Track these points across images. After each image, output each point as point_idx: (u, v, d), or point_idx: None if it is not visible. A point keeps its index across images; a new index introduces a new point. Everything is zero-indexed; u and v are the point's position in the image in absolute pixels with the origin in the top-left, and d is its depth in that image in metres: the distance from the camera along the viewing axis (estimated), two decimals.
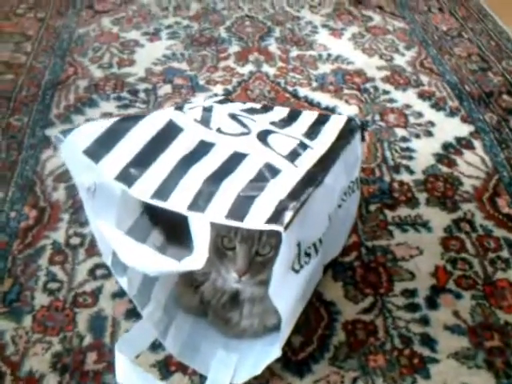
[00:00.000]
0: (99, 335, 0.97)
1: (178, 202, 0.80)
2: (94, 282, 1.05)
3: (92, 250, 1.11)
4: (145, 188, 0.81)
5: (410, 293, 1.04)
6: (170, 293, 1.00)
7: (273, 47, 1.77)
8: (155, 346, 0.94)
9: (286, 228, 0.75)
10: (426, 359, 0.93)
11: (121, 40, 1.81)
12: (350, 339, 0.96)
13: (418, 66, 1.66)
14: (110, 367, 0.90)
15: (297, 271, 0.84)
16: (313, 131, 1.05)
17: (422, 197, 1.23)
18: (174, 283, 1.01)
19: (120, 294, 1.03)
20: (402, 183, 1.27)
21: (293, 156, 0.94)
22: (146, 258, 0.80)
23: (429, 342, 0.96)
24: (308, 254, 0.86)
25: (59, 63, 1.67)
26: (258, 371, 0.87)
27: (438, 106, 1.50)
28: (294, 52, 1.74)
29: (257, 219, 0.77)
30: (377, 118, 1.46)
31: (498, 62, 1.68)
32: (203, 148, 0.90)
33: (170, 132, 0.91)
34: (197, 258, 0.77)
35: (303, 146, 0.99)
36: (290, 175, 0.87)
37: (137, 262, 0.82)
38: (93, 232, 0.94)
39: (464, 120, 1.46)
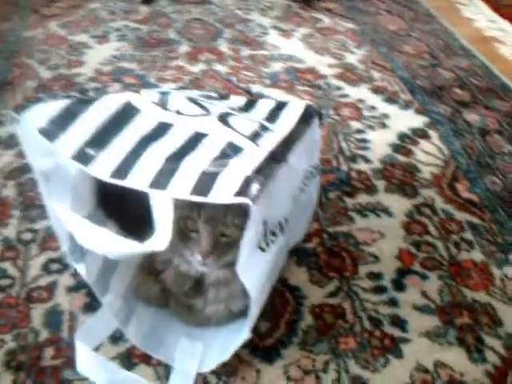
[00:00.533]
0: (56, 330, 0.90)
1: (138, 180, 0.75)
2: (48, 277, 0.99)
3: (45, 244, 1.05)
4: (103, 167, 0.77)
5: (376, 276, 1.02)
6: (129, 284, 0.95)
7: (223, 47, 1.76)
8: (116, 338, 0.89)
9: (253, 201, 0.73)
10: (397, 339, 0.91)
11: (69, 43, 1.77)
12: (318, 323, 0.93)
13: (369, 63, 1.67)
14: (70, 362, 0.84)
15: (263, 250, 0.81)
16: (272, 116, 1.03)
17: (380, 184, 1.22)
18: (132, 274, 0.96)
19: (76, 287, 0.97)
20: (359, 172, 1.26)
21: (255, 137, 0.91)
22: (107, 240, 0.76)
23: (399, 322, 0.94)
24: (274, 233, 0.84)
25: (5, 65, 1.61)
26: (226, 357, 0.83)
27: (391, 99, 1.52)
28: (245, 52, 1.73)
29: (223, 194, 0.74)
30: (331, 112, 1.45)
31: (448, 58, 1.72)
32: (162, 129, 0.86)
33: (127, 113, 0.87)
34: (160, 239, 0.73)
35: (264, 129, 0.96)
36: (254, 153, 0.85)
37: (96, 244, 0.77)
38: (49, 217, 0.88)
39: (418, 112, 1.47)
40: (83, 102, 0.85)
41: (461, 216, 1.15)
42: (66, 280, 0.98)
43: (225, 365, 0.84)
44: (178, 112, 0.92)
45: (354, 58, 1.70)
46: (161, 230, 0.72)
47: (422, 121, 1.43)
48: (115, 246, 0.75)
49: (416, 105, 1.49)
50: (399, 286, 1.00)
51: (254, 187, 0.75)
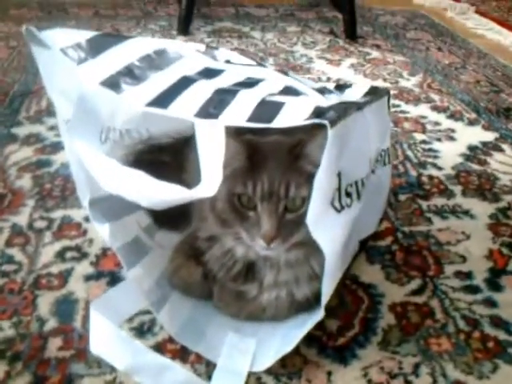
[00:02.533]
0: (67, 319, 0.74)
1: (181, 109, 0.62)
2: (62, 264, 0.84)
3: (61, 233, 0.91)
4: (138, 96, 0.64)
5: (466, 275, 0.85)
6: (164, 270, 0.79)
7: None
8: (142, 332, 0.72)
9: (331, 124, 0.59)
10: (503, 343, 0.72)
11: None
12: (401, 322, 0.76)
13: (425, 87, 1.56)
14: (81, 355, 0.68)
15: (337, 210, 0.66)
16: (339, 89, 0.93)
17: (456, 189, 1.07)
18: (167, 258, 0.80)
19: (96, 275, 0.82)
20: (431, 177, 1.11)
21: (320, 91, 0.79)
22: (141, 184, 0.61)
23: (502, 324, 0.76)
24: (349, 194, 0.69)
25: (31, 78, 1.52)
26: (286, 350, 0.66)
27: (454, 117, 1.39)
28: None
29: (291, 120, 0.60)
30: (391, 125, 1.32)
31: (509, 86, 1.60)
32: (210, 72, 0.74)
33: (167, 55, 0.75)
34: (209, 182, 0.58)
35: (329, 91, 0.85)
36: (321, 99, 0.72)
37: (128, 189, 0.62)
38: (70, 164, 0.73)
39: (486, 128, 1.33)
40: (113, 36, 0.74)
41: None
42: (84, 268, 0.84)
43: (285, 365, 0.68)
44: (228, 61, 0.80)
45: (408, 83, 1.59)
46: (209, 172, 0.58)
47: (492, 136, 1.30)
48: (153, 192, 0.60)
49: (483, 122, 1.36)
50: (495, 286, 0.83)
51: (331, 113, 0.62)
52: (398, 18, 2.27)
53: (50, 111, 1.29)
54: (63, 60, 0.66)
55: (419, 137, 1.27)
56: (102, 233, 0.68)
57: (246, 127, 0.60)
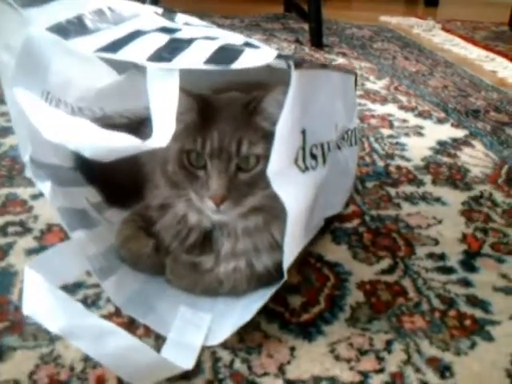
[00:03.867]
0: (3, 291, 0.68)
1: (132, 54, 0.57)
2: (3, 238, 0.78)
3: (4, 209, 0.85)
4: (88, 42, 0.59)
5: (438, 257, 0.80)
6: (111, 245, 0.72)
7: None
8: (87, 305, 0.66)
9: (295, 66, 0.55)
10: (480, 321, 0.68)
11: None
12: (370, 299, 0.70)
13: (392, 90, 1.54)
14: (16, 327, 0.62)
15: (302, 170, 0.62)
16: None
17: (426, 178, 1.04)
18: (115, 230, 0.73)
19: (38, 250, 0.75)
20: (398, 167, 1.07)
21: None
22: (86, 132, 0.55)
23: (478, 302, 0.72)
24: (314, 156, 0.65)
25: None
26: (246, 319, 0.60)
27: (423, 115, 1.36)
28: None
29: (251, 60, 0.56)
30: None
31: (476, 92, 1.59)
32: (166, 30, 0.69)
33: (121, 12, 0.70)
34: (161, 134, 0.53)
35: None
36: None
37: (71, 136, 0.56)
38: (10, 112, 0.67)
39: (455, 126, 1.31)
40: None
41: None
42: (26, 242, 0.77)
43: (243, 339, 0.62)
44: (187, 23, 0.76)
45: (375, 85, 1.57)
46: (161, 121, 0.53)
47: (462, 133, 1.27)
48: (99, 139, 0.54)
49: (452, 121, 1.34)
50: (470, 267, 0.79)
51: (295, 58, 0.58)
52: (364, 31, 2.28)
53: None
54: (8, 12, 0.60)
55: (386, 132, 1.24)
56: (42, 190, 0.61)
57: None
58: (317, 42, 1.93)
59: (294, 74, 0.55)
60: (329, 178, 0.71)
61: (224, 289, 0.67)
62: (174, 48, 0.59)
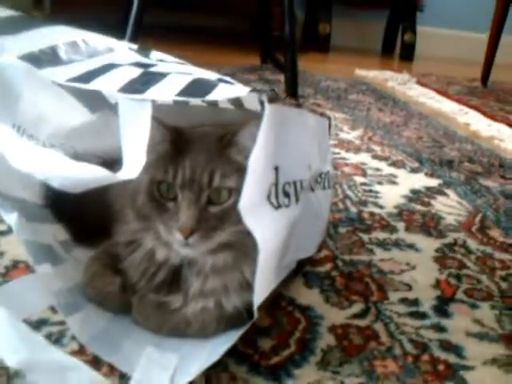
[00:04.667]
0: None
1: (104, 85, 0.59)
2: None
3: None
4: (59, 73, 0.60)
5: (411, 302, 0.81)
6: (78, 283, 0.71)
7: None
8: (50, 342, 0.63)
9: (269, 101, 0.57)
10: (454, 366, 0.68)
11: None
12: (342, 343, 0.70)
13: (366, 139, 1.58)
14: None
15: (274, 206, 0.63)
16: None
17: (399, 225, 1.05)
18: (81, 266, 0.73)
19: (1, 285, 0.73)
20: (372, 214, 1.09)
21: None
22: (55, 162, 0.56)
23: (451, 347, 0.72)
24: (287, 194, 0.66)
25: None
26: (212, 359, 0.59)
27: (396, 165, 1.39)
28: None
29: (225, 93, 0.58)
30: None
31: (451, 143, 1.64)
32: (140, 65, 0.71)
33: (95, 46, 0.72)
34: (131, 165, 0.54)
35: None
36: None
37: (43, 167, 0.56)
38: None
39: (429, 175, 1.34)
40: (41, 20, 0.70)
41: (502, 256, 0.97)
42: None
43: (209, 381, 0.61)
44: (161, 60, 0.78)
45: (348, 135, 1.61)
46: (132, 152, 0.54)
47: (436, 182, 1.30)
48: (68, 170, 0.55)
49: (425, 170, 1.37)
50: (443, 312, 0.79)
51: (268, 94, 0.59)
52: (340, 83, 2.34)
53: None
54: None
55: (360, 180, 1.26)
56: (8, 221, 0.61)
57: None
58: (292, 93, 1.97)
59: (267, 108, 0.56)
60: (301, 219, 0.72)
61: (192, 329, 0.66)
62: (146, 80, 0.60)
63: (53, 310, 0.67)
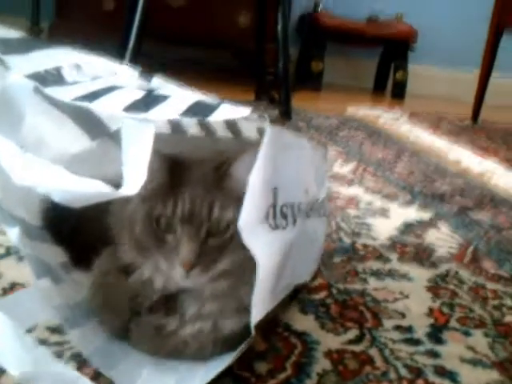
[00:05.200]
0: None
1: (108, 104, 0.62)
2: None
3: None
4: (66, 91, 0.63)
5: (405, 329, 0.83)
6: (79, 302, 0.73)
7: None
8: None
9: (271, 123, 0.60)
10: None
11: None
12: (337, 367, 0.72)
13: (358, 173, 1.61)
14: None
15: (272, 227, 0.65)
16: None
17: (392, 256, 1.08)
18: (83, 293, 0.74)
19: None
20: (365, 245, 1.11)
21: None
22: (59, 177, 0.58)
23: (446, 373, 0.74)
24: (285, 216, 0.68)
25: None
26: (209, 377, 0.61)
27: (389, 198, 1.42)
28: None
29: (227, 114, 0.61)
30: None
31: (442, 178, 1.68)
32: (143, 88, 0.74)
33: (99, 68, 0.75)
34: (131, 182, 0.56)
35: None
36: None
37: (44, 180, 0.59)
38: None
39: (421, 208, 1.37)
40: (46, 42, 0.73)
41: (494, 286, 1.00)
42: None
43: None
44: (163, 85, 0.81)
45: (341, 169, 1.64)
46: (133, 169, 0.56)
47: (428, 215, 1.33)
48: (70, 184, 0.57)
49: (418, 203, 1.40)
50: (437, 339, 0.81)
51: (269, 117, 0.62)
52: (331, 120, 2.39)
53: None
54: None
55: (353, 212, 1.29)
56: (10, 235, 0.63)
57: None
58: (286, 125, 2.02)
59: (269, 129, 0.59)
60: (297, 243, 0.74)
61: (189, 351, 0.67)
62: (150, 101, 0.63)
63: (51, 330, 0.68)
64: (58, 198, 0.57)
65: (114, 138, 0.64)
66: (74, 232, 0.82)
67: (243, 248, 0.59)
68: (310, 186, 0.82)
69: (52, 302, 0.64)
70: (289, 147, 0.69)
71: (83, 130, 0.85)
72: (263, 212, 0.63)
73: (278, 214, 0.66)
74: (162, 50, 2.72)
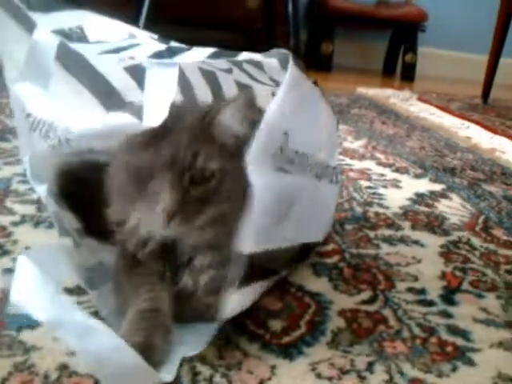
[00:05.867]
0: None
1: (133, 54, 0.62)
2: None
3: None
4: (90, 47, 0.63)
5: (418, 291, 0.83)
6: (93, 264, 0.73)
7: None
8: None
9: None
10: (461, 348, 0.69)
11: None
12: (351, 326, 0.72)
13: (370, 148, 1.60)
14: None
15: (276, 168, 0.65)
16: None
17: (404, 224, 1.07)
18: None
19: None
20: (377, 214, 1.10)
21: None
22: (86, 113, 0.59)
23: (459, 332, 0.73)
24: (291, 162, 0.68)
25: None
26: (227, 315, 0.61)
27: (400, 171, 1.41)
28: None
29: (249, 54, 0.61)
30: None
31: (453, 153, 1.67)
32: (170, 50, 0.74)
33: (119, 30, 0.75)
34: (154, 113, 0.56)
35: None
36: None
37: (75, 119, 0.59)
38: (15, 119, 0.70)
39: (432, 181, 1.36)
40: (69, 3, 0.73)
41: (506, 252, 0.99)
42: (3, 263, 0.77)
43: (222, 356, 0.62)
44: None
45: (352, 145, 1.63)
46: (154, 104, 0.56)
47: (439, 187, 1.32)
48: (101, 121, 0.57)
49: (429, 176, 1.39)
50: (450, 301, 0.81)
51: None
52: (341, 99, 2.38)
53: None
54: (10, 24, 0.65)
55: (365, 183, 1.28)
56: (39, 192, 0.64)
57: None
58: None
59: (291, 67, 0.59)
60: (306, 200, 0.73)
61: (212, 311, 0.65)
62: (173, 51, 0.64)
63: (69, 291, 0.69)
64: (79, 129, 0.57)
65: (128, 109, 0.64)
66: (84, 201, 0.81)
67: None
68: (324, 146, 0.81)
69: (73, 262, 0.64)
70: (306, 96, 0.69)
71: (99, 101, 0.85)
72: (271, 150, 0.62)
73: (285, 158, 0.65)
74: (169, 32, 2.70)
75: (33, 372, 0.56)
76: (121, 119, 0.56)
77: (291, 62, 0.59)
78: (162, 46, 0.65)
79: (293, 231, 0.73)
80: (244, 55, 0.61)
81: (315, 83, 0.83)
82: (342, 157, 1.47)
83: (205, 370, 0.60)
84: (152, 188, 0.60)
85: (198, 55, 0.61)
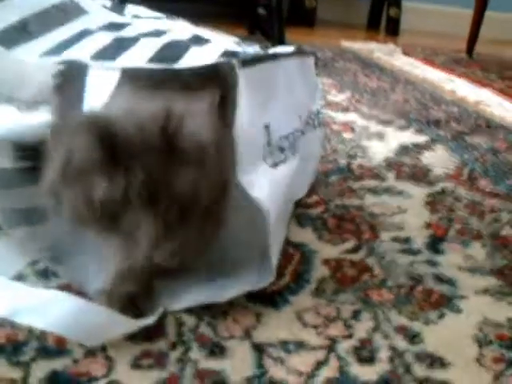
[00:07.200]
0: None
1: (76, 54, 0.59)
2: None
3: None
4: (33, 47, 0.60)
5: (404, 240, 0.82)
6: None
7: None
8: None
9: (242, 65, 0.57)
10: (448, 296, 0.69)
11: None
12: (336, 274, 0.70)
13: (353, 101, 1.58)
14: None
15: (271, 166, 0.63)
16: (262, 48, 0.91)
17: (389, 175, 1.06)
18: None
19: None
20: (361, 166, 1.09)
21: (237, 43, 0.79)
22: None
23: (445, 280, 0.73)
24: (282, 149, 0.66)
25: None
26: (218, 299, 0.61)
27: (384, 123, 1.39)
28: None
29: (195, 60, 0.58)
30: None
31: (437, 105, 1.65)
32: (113, 26, 0.71)
33: (68, 11, 0.71)
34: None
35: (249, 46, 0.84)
36: (232, 45, 0.72)
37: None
38: None
39: (417, 132, 1.34)
40: None
41: (491, 202, 0.98)
42: None
43: (207, 306, 0.61)
44: (136, 16, 0.78)
45: (336, 98, 1.60)
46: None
47: (423, 139, 1.30)
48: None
49: (413, 128, 1.37)
50: (436, 249, 0.80)
51: (243, 55, 0.60)
52: (326, 52, 2.33)
53: None
54: None
55: (348, 136, 1.26)
56: None
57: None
58: None
59: (241, 74, 0.56)
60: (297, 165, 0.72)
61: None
62: (118, 47, 0.61)
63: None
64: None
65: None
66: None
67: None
68: (303, 108, 0.79)
69: (33, 246, 0.62)
70: (271, 80, 0.67)
71: None
72: (259, 154, 0.61)
73: (274, 151, 0.64)
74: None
75: (16, 327, 0.54)
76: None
77: (237, 67, 0.56)
78: (109, 37, 0.61)
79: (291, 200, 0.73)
80: (192, 55, 0.57)
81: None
82: (325, 110, 1.44)
83: (190, 320, 0.59)
84: (128, 224, 0.52)
85: (143, 54, 0.57)
